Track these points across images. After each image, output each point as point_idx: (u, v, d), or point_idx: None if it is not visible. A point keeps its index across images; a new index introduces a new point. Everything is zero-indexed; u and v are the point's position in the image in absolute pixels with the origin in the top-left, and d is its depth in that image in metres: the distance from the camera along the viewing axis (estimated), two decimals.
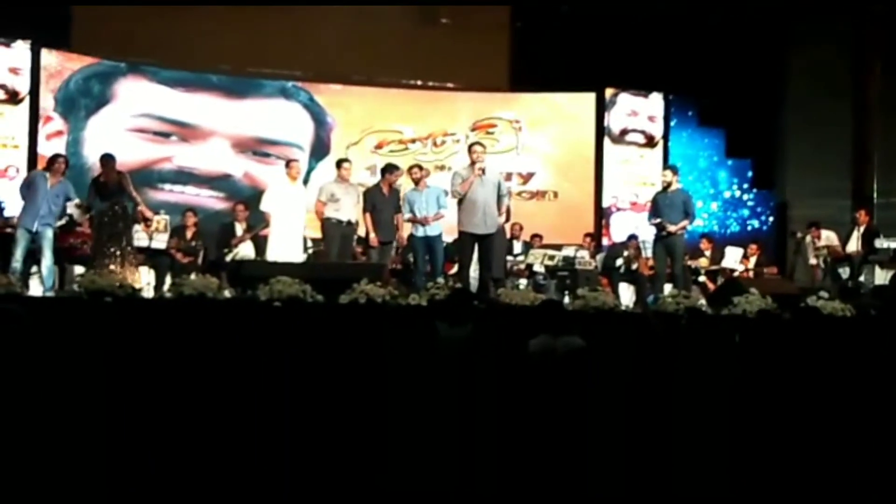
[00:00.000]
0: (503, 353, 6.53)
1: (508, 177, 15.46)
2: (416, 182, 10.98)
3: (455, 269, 10.90)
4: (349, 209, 10.72)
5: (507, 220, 10.59)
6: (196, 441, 6.55)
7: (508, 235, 13.49)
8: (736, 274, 12.67)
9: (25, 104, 13.83)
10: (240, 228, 11.93)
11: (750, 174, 16.57)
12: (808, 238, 13.13)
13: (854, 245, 12.48)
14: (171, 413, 6.61)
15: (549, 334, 6.41)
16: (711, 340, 7.57)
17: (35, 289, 10.75)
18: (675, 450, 6.80)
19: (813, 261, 13.04)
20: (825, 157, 15.57)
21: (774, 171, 16.53)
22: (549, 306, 6.95)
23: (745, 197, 16.54)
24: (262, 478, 6.52)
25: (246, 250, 11.71)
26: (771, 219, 16.43)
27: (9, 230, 11.67)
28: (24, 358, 6.29)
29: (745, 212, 16.51)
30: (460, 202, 9.89)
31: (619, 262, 13.10)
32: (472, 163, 9.90)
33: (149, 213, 10.52)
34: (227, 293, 7.94)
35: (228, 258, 11.50)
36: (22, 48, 13.79)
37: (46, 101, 14.13)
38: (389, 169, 11.13)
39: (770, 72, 16.11)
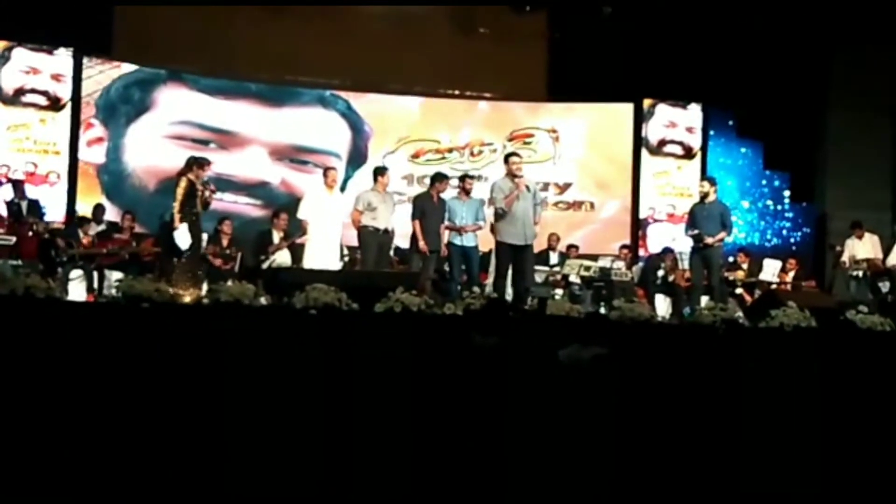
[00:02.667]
0: (536, 362, 6.52)
1: (545, 187, 15.45)
2: (467, 192, 10.96)
3: (490, 279, 10.89)
4: (386, 218, 10.74)
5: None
6: (228, 445, 6.58)
7: (545, 246, 13.49)
8: (773, 286, 12.58)
9: (67, 111, 13.99)
10: (277, 236, 11.98)
11: (787, 186, 16.45)
12: (850, 241, 13.03)
13: (895, 258, 12.36)
14: (206, 417, 6.65)
15: (579, 344, 6.39)
16: (748, 353, 7.53)
17: (74, 293, 10.86)
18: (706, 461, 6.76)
19: (846, 262, 12.95)
20: (865, 170, 15.44)
21: (813, 184, 16.40)
22: (594, 319, 6.95)
23: (783, 209, 16.41)
24: (292, 482, 6.54)
25: (282, 258, 11.75)
26: (809, 231, 16.30)
27: (46, 236, 11.82)
28: (63, 362, 6.36)
29: (783, 224, 16.38)
30: (500, 213, 9.88)
31: (659, 273, 13.05)
32: (511, 174, 9.89)
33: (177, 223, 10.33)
34: (263, 300, 7.97)
35: (265, 265, 11.55)
36: (64, 55, 13.94)
37: (87, 108, 14.28)
38: (439, 178, 11.11)
39: (810, 84, 15.99)
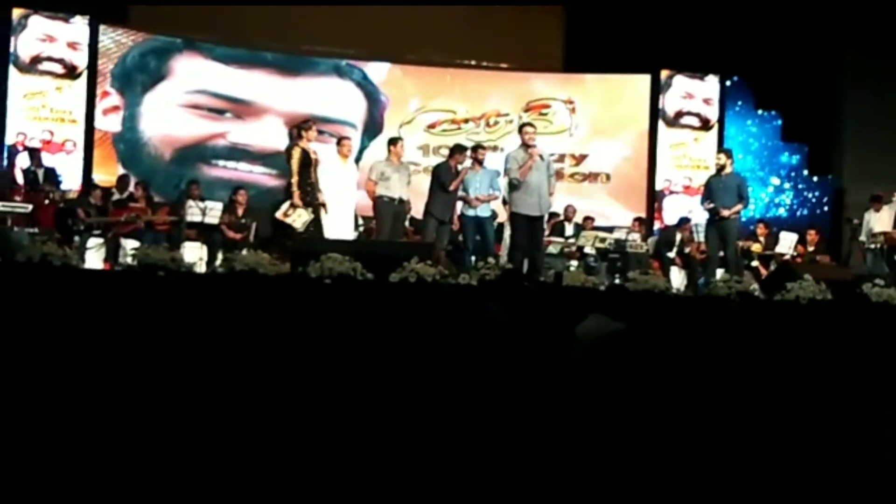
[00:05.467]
0: (552, 334, 6.52)
1: (561, 158, 15.41)
2: (479, 163, 10.91)
3: (504, 250, 10.87)
4: (400, 188, 10.70)
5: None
6: (247, 412, 6.61)
7: (562, 217, 13.47)
8: (789, 259, 12.52)
9: (83, 79, 14.01)
10: None
11: (805, 158, 16.36)
12: (868, 214, 12.94)
13: None
14: (225, 384, 6.68)
15: (596, 316, 6.36)
16: (762, 326, 7.51)
17: (91, 262, 10.90)
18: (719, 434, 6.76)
19: (863, 238, 12.86)
20: (884, 143, 15.32)
21: (831, 157, 16.30)
22: (614, 291, 6.95)
23: (801, 182, 16.33)
24: (303, 455, 6.57)
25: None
26: (826, 204, 16.22)
27: (62, 205, 11.86)
28: (79, 329, 6.40)
29: (801, 197, 16.30)
30: (515, 184, 9.86)
31: (674, 247, 13.01)
32: (526, 145, 9.87)
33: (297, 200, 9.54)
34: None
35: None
36: (80, 23, 13.94)
37: (103, 77, 14.29)
38: (459, 149, 11.01)
39: (829, 55, 15.86)
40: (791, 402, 7.00)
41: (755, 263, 12.92)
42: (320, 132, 15.06)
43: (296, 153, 9.62)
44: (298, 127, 10.01)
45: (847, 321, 7.37)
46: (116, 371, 6.49)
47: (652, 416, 6.40)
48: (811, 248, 13.21)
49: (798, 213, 16.18)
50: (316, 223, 9.78)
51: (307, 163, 9.63)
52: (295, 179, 9.57)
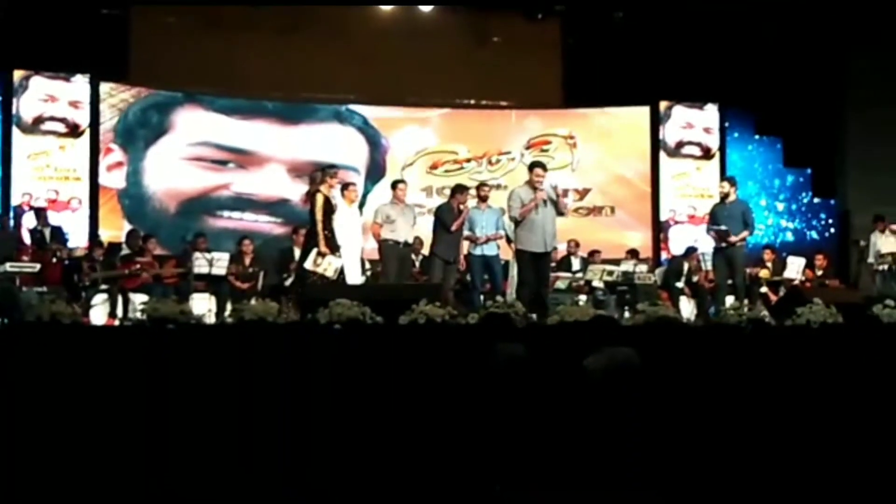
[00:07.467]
0: (559, 370, 6.50)
1: (565, 193, 15.39)
2: (484, 200, 10.96)
3: (511, 288, 10.87)
4: (405, 230, 10.74)
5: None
6: (260, 462, 6.59)
7: (566, 252, 13.46)
8: (798, 284, 12.49)
9: (86, 137, 14.09)
10: (298, 252, 11.96)
11: (808, 182, 16.36)
12: (874, 236, 12.93)
13: None
14: (238, 435, 6.65)
15: (606, 349, 6.34)
16: (775, 351, 7.48)
17: (97, 317, 10.92)
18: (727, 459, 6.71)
19: (871, 259, 12.86)
20: (887, 163, 15.32)
21: (835, 179, 16.30)
22: (602, 322, 6.94)
23: (805, 206, 16.32)
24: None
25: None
26: (833, 228, 16.20)
27: (66, 262, 11.89)
28: (91, 385, 6.39)
29: (806, 221, 16.29)
30: (518, 221, 9.89)
31: (683, 276, 13.00)
32: (533, 186, 9.88)
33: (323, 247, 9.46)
34: (293, 315, 7.96)
35: (287, 283, 11.54)
36: (81, 82, 14.04)
37: (106, 133, 14.37)
38: (459, 189, 11.06)
39: (829, 79, 15.90)
40: (805, 426, 6.96)
41: (764, 290, 12.90)
42: None
43: (319, 199, 9.54)
44: (323, 172, 9.91)
45: (858, 344, 7.34)
46: (130, 425, 6.48)
47: (666, 445, 6.36)
48: (819, 272, 13.17)
49: (805, 237, 16.16)
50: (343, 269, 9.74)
51: (329, 209, 9.56)
52: (320, 227, 9.45)
